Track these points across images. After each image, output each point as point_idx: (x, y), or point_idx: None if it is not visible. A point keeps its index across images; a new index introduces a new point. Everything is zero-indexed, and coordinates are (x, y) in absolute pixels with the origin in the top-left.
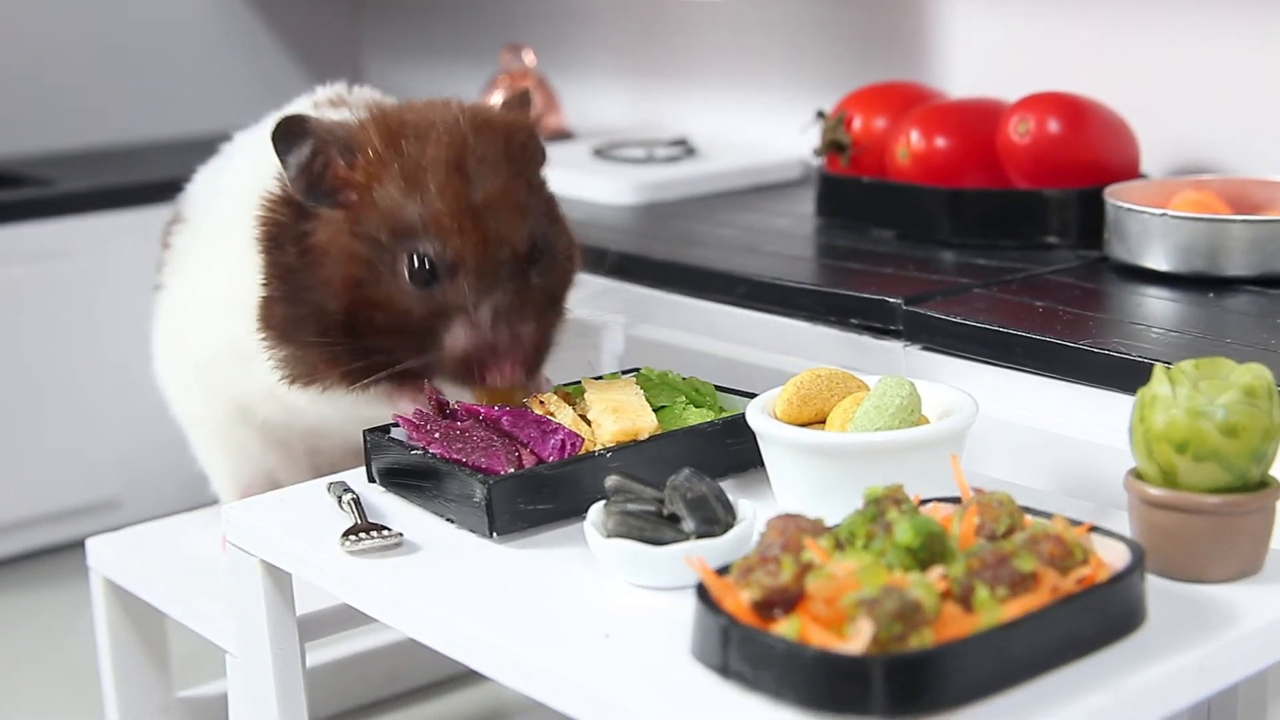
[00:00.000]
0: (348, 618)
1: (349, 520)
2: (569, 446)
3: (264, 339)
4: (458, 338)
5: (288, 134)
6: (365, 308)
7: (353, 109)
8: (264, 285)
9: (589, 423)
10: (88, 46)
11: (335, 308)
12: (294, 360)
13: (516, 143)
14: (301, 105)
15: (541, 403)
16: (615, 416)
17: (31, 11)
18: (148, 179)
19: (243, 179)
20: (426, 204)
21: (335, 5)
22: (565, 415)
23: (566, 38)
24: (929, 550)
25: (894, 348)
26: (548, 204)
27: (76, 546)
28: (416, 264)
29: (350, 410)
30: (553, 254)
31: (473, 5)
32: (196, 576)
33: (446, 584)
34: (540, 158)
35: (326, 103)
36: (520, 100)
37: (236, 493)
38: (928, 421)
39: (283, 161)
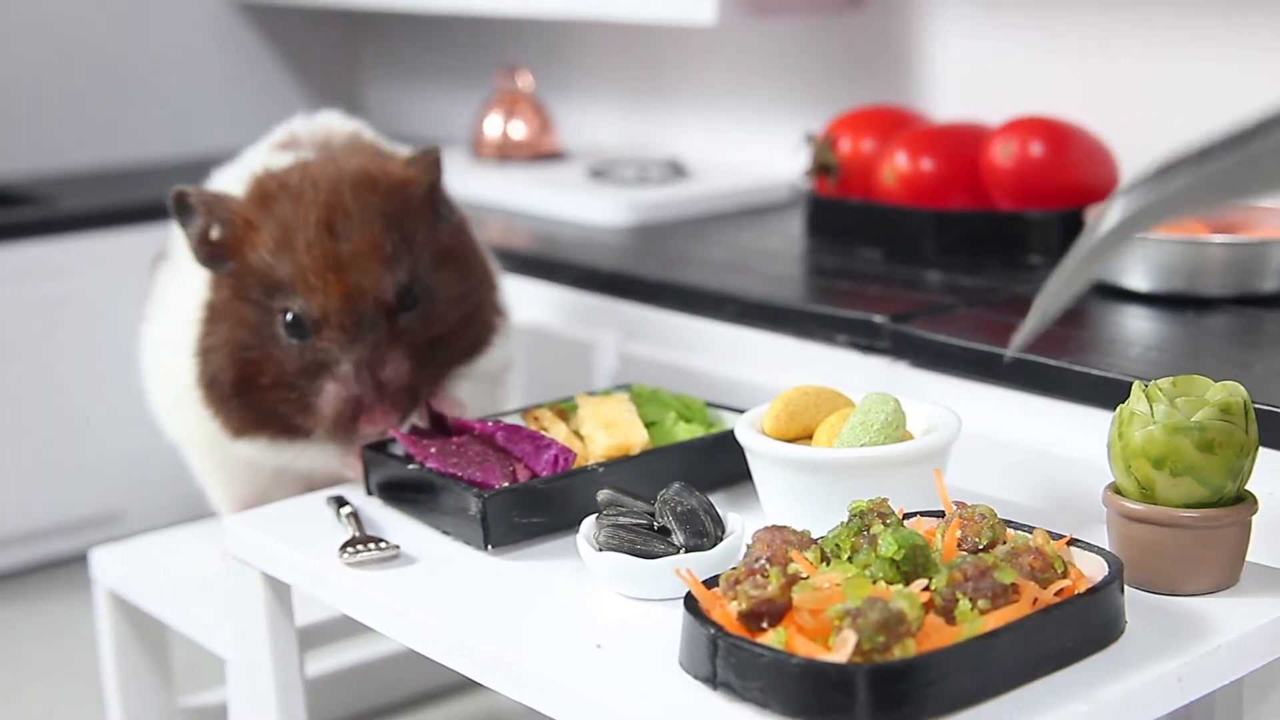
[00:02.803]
0: (346, 628)
1: (347, 533)
2: (562, 461)
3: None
4: (327, 395)
5: (180, 207)
6: (254, 367)
7: (300, 150)
8: (198, 339)
9: (582, 438)
10: (90, 67)
11: (227, 365)
12: (219, 413)
13: (398, 198)
14: (258, 152)
15: (535, 418)
16: (608, 432)
17: (33, 31)
18: (149, 198)
19: None
20: (293, 263)
21: (335, 27)
22: (559, 430)
23: (562, 60)
24: (912, 563)
25: (880, 365)
26: (445, 254)
27: (80, 559)
28: (289, 322)
29: (295, 460)
30: (433, 299)
31: (470, 28)
32: (198, 587)
33: (442, 595)
34: (432, 212)
35: (279, 146)
36: (424, 157)
37: (233, 509)
38: (912, 437)
39: (185, 233)
